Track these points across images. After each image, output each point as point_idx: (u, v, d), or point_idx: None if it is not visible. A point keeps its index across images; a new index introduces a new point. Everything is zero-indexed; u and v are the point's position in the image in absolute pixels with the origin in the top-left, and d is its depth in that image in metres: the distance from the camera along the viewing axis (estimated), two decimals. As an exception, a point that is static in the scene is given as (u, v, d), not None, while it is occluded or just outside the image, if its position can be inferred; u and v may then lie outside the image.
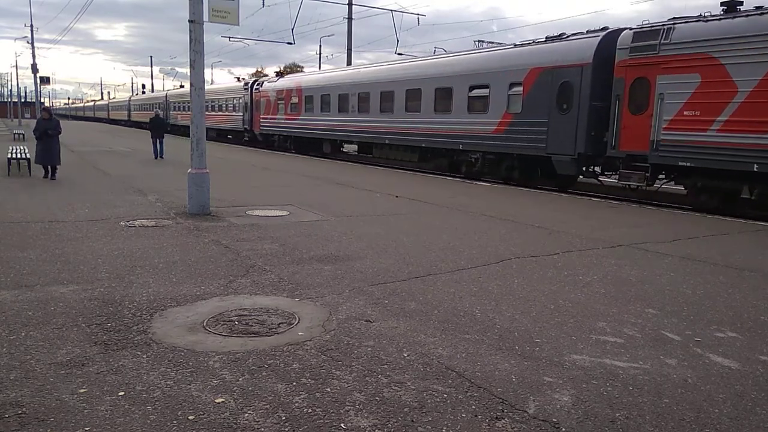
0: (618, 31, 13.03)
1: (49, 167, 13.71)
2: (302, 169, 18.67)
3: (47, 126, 13.88)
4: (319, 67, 54.29)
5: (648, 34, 12.11)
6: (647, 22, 12.49)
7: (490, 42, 20.20)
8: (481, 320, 4.57)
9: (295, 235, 7.78)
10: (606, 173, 14.21)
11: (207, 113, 37.65)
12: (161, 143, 21.34)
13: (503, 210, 10.61)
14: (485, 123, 16.11)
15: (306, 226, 8.47)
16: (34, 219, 8.40)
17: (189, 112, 36.41)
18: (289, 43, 31.37)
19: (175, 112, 46.76)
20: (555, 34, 14.93)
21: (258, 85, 31.49)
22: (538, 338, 4.22)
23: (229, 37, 33.81)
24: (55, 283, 5.23)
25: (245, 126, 32.62)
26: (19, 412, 2.98)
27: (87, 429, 2.84)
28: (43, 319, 4.31)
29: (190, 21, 9.21)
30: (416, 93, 18.88)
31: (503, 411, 3.13)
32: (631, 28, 12.64)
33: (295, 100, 26.99)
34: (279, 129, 28.72)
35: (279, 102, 28.43)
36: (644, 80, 12.18)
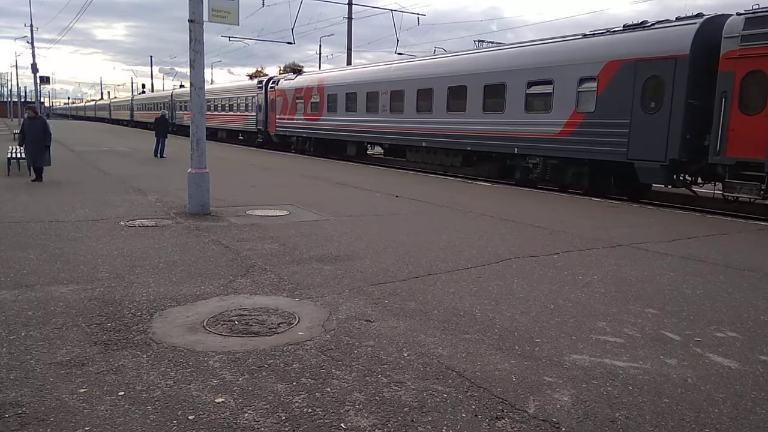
0: (720, 18, 11.36)
1: (36, 168, 13.06)
2: (302, 169, 18.66)
3: (33, 125, 13.18)
4: (319, 67, 53.89)
5: (764, 20, 10.43)
6: (757, 6, 10.74)
7: (490, 42, 20.10)
8: (481, 320, 4.57)
9: (295, 235, 7.78)
10: (701, 182, 12.55)
11: (217, 113, 35.29)
12: (163, 143, 22.17)
13: (503, 210, 10.61)
14: (548, 124, 14.22)
15: (306, 226, 8.47)
16: (34, 219, 8.40)
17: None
18: (289, 43, 31.45)
19: (181, 112, 45.30)
20: (636, 22, 13.01)
21: (273, 83, 29.58)
22: (538, 338, 4.22)
23: (229, 37, 33.88)
24: (55, 283, 5.23)
25: (259, 127, 30.95)
26: (19, 412, 2.98)
27: (87, 429, 2.84)
28: (43, 319, 4.31)
29: (190, 21, 9.21)
30: (460, 91, 17.05)
31: (503, 411, 3.13)
32: (739, 14, 10.94)
33: (315, 99, 25.03)
34: (297, 130, 26.89)
35: (297, 101, 26.52)
36: (759, 74, 10.49)
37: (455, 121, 17.24)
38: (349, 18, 32.24)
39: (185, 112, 42.97)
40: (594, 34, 13.92)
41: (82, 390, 3.23)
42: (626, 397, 3.34)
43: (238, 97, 33.78)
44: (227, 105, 35.38)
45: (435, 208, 10.63)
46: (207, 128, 38.32)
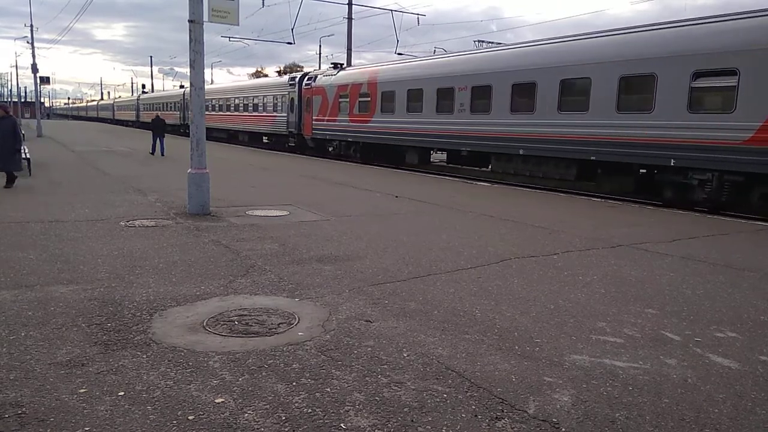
0: None
1: (7, 173, 11.83)
2: (301, 169, 18.66)
3: (1, 126, 11.75)
4: (319, 67, 53.64)
5: None
6: None
7: (490, 42, 19.89)
8: (481, 320, 4.57)
9: (294, 235, 7.78)
10: None
11: (238, 114, 33.73)
12: (161, 142, 22.79)
13: (503, 210, 10.61)
14: (728, 128, 10.89)
15: (306, 226, 8.47)
16: (34, 219, 8.40)
17: (214, 113, 35.66)
18: (289, 43, 31.37)
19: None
20: None
21: (309, 79, 25.86)
22: (538, 338, 4.22)
23: (229, 37, 33.84)
24: (55, 283, 5.23)
25: (290, 129, 27.26)
26: (19, 412, 2.98)
27: (87, 429, 2.84)
28: (43, 319, 4.31)
29: (189, 21, 9.21)
30: (580, 85, 13.78)
31: (503, 411, 3.13)
32: None
33: (365, 97, 21.55)
34: (340, 133, 23.28)
35: (341, 100, 23.00)
36: None
37: (571, 123, 13.86)
38: (349, 18, 32.24)
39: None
40: None
41: (82, 390, 3.23)
42: (626, 397, 3.34)
43: (265, 96, 30.38)
44: (250, 105, 32.09)
45: (435, 208, 10.63)
46: (226, 130, 34.62)
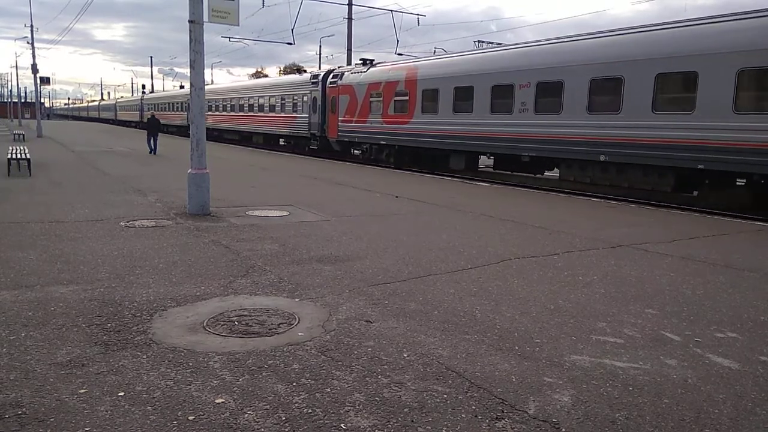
0: None
1: None
2: (301, 169, 18.66)
3: None
4: (319, 67, 53.22)
5: None
6: None
7: (489, 42, 19.72)
8: (481, 320, 4.57)
9: (294, 235, 7.78)
10: None
11: (252, 114, 32.18)
12: (155, 141, 23.75)
13: (503, 210, 10.62)
14: None
15: (306, 226, 8.47)
16: (34, 219, 8.40)
17: (225, 113, 34.80)
18: (289, 44, 31.33)
19: (207, 113, 40.71)
20: None
21: (335, 77, 23.82)
22: (538, 338, 4.22)
23: (229, 38, 33.82)
24: (55, 283, 5.23)
25: (313, 131, 25.31)
26: (19, 412, 2.98)
27: (87, 429, 2.84)
28: (43, 320, 4.31)
29: (190, 21, 9.21)
30: (682, 80, 11.87)
31: (503, 411, 3.13)
32: None
33: (402, 96, 19.68)
34: (371, 135, 21.36)
35: (373, 99, 21.12)
36: None
37: (670, 125, 11.93)
38: (349, 18, 32.25)
39: (213, 113, 37.62)
40: None
41: (82, 390, 3.23)
42: (626, 397, 3.34)
43: (283, 95, 28.14)
44: (266, 105, 30.01)
45: (435, 208, 10.63)
46: (238, 132, 32.91)
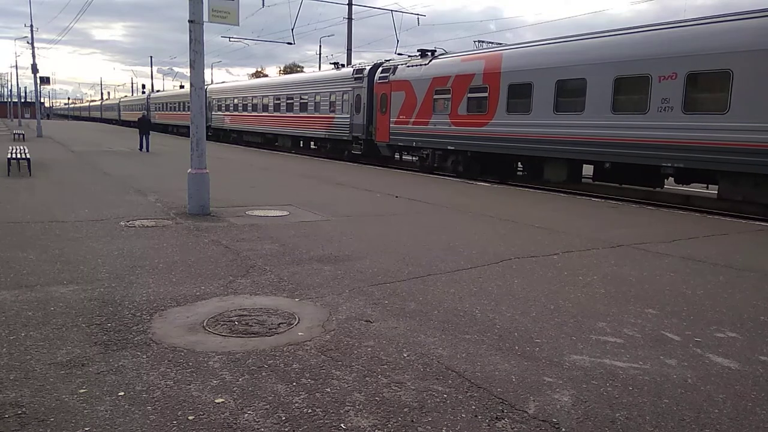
0: None
1: None
2: (301, 169, 18.66)
3: None
4: (319, 68, 52.67)
5: None
6: None
7: (489, 42, 19.48)
8: (481, 320, 4.57)
9: (295, 235, 7.78)
10: None
11: (278, 115, 29.33)
12: (147, 139, 25.06)
13: (503, 210, 10.62)
14: None
15: (306, 226, 8.47)
16: (34, 219, 8.40)
17: (245, 114, 33.41)
18: (289, 43, 31.30)
19: (219, 113, 36.12)
20: None
21: (385, 71, 20.42)
22: (538, 338, 4.22)
23: (229, 38, 33.67)
24: (55, 283, 5.23)
25: (355, 133, 22.07)
26: (19, 412, 2.98)
27: (87, 429, 2.84)
28: (43, 319, 4.31)
29: (189, 21, 9.21)
30: None
31: (503, 411, 3.13)
32: None
33: (479, 92, 16.43)
34: (434, 139, 18.18)
35: (438, 97, 17.97)
36: None
37: None
38: (349, 18, 32.26)
39: (226, 113, 34.78)
40: None
41: (82, 390, 3.23)
42: (626, 397, 3.34)
43: (318, 93, 24.69)
44: (296, 103, 26.51)
45: (435, 209, 10.63)
46: (262, 134, 30.09)
